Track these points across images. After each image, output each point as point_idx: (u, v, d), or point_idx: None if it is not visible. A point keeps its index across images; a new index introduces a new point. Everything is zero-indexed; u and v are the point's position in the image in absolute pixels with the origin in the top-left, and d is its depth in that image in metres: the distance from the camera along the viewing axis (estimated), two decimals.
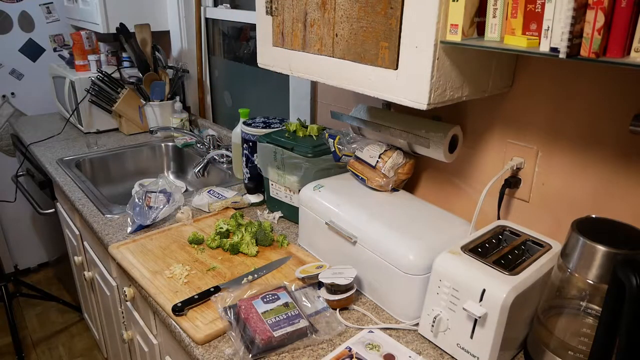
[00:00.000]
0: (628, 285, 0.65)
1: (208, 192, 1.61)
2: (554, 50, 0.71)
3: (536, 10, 0.77)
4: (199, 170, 1.93)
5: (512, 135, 1.13)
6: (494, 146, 1.18)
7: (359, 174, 1.28)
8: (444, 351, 0.97)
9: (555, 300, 0.89)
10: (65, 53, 2.65)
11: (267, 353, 0.96)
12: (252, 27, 2.07)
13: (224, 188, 1.66)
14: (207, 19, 2.31)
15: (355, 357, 0.95)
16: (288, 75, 1.52)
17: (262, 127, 1.58)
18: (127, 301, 1.39)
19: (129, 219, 1.47)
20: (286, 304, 1.04)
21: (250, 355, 0.94)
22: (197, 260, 1.27)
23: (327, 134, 1.38)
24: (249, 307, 1.02)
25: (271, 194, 1.52)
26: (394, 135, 1.22)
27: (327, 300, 1.08)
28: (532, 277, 0.90)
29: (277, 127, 1.58)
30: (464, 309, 0.88)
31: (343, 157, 1.34)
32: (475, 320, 0.88)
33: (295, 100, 1.78)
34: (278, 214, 1.51)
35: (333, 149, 1.36)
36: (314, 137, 1.44)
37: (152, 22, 2.31)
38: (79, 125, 2.38)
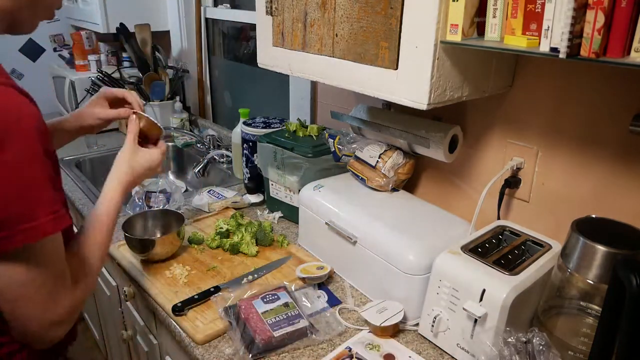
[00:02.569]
0: (628, 285, 0.65)
1: (208, 192, 1.61)
2: (554, 50, 0.71)
3: (536, 10, 0.77)
4: (199, 170, 1.93)
5: (512, 135, 1.13)
6: (494, 146, 1.18)
7: (359, 174, 1.28)
8: (444, 351, 0.97)
9: (555, 300, 0.89)
10: (66, 53, 2.65)
11: (267, 353, 0.96)
12: (252, 27, 2.07)
13: (224, 188, 1.66)
14: (207, 19, 2.31)
15: (355, 357, 0.95)
16: (288, 75, 1.52)
17: (262, 127, 1.58)
18: (127, 301, 1.39)
19: None
20: (286, 304, 1.04)
21: (250, 355, 0.94)
22: (197, 260, 1.27)
23: (327, 134, 1.38)
24: (249, 307, 1.02)
25: (271, 194, 1.52)
26: (394, 135, 1.22)
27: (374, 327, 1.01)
28: (532, 277, 0.90)
29: (277, 127, 1.58)
30: (464, 309, 0.88)
31: (343, 157, 1.34)
32: (475, 320, 0.88)
33: (295, 100, 1.78)
34: (278, 214, 1.51)
35: (333, 149, 1.36)
36: (314, 137, 1.44)
37: (152, 22, 2.30)
38: None
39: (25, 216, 0.68)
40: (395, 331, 1.02)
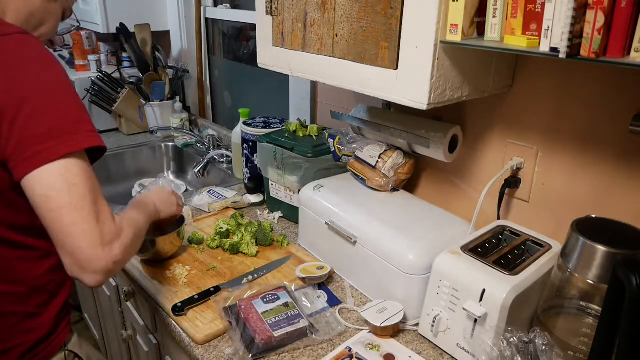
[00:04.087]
0: (628, 285, 0.65)
1: (208, 192, 1.61)
2: (554, 50, 0.71)
3: (536, 10, 0.77)
4: (199, 170, 1.93)
5: (512, 135, 1.13)
6: (494, 146, 1.18)
7: (359, 174, 1.28)
8: (444, 351, 0.97)
9: (555, 300, 0.89)
10: (66, 53, 2.65)
11: (267, 353, 0.96)
12: (252, 27, 2.07)
13: (224, 188, 1.66)
14: (207, 19, 2.31)
15: (355, 357, 0.95)
16: (288, 75, 1.52)
17: (262, 127, 1.58)
18: (127, 301, 1.39)
19: None
20: (286, 304, 1.04)
21: (250, 355, 0.94)
22: (197, 260, 1.27)
23: (327, 134, 1.38)
24: (249, 307, 1.02)
25: (271, 194, 1.52)
26: (394, 135, 1.22)
27: (374, 327, 1.01)
28: (532, 277, 0.90)
29: (277, 127, 1.58)
30: (464, 309, 0.88)
31: (343, 157, 1.34)
32: (475, 320, 0.88)
33: (295, 100, 1.78)
34: (278, 214, 1.51)
35: (333, 149, 1.36)
36: (314, 137, 1.44)
37: (152, 22, 2.30)
38: None
39: (71, 128, 0.78)
40: (395, 331, 1.02)
